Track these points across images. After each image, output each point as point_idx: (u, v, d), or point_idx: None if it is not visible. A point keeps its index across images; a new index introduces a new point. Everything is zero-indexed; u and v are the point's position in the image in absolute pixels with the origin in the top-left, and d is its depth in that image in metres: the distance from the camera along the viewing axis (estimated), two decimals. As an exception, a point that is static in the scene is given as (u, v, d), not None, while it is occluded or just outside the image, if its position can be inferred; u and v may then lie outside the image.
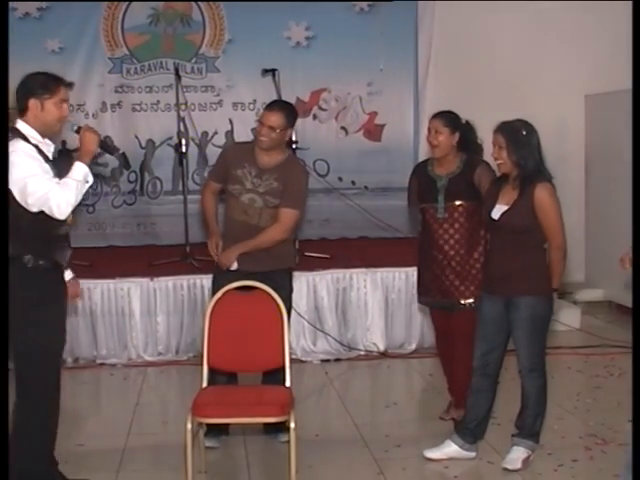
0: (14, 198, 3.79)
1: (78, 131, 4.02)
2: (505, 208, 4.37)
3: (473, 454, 4.65)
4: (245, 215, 4.84)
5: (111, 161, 7.71)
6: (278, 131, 4.76)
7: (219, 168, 5.04)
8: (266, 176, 4.82)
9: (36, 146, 3.89)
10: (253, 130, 7.77)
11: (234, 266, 4.84)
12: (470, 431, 4.63)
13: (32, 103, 3.90)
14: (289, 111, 4.88)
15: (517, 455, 4.49)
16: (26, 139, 3.87)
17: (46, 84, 3.93)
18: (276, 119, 4.77)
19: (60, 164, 4.01)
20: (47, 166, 3.88)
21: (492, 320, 4.48)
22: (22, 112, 3.92)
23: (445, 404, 5.39)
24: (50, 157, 3.97)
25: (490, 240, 4.59)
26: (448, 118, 4.95)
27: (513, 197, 4.36)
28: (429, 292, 5.10)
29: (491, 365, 4.55)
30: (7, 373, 3.84)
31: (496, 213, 4.40)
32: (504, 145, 4.32)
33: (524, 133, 4.32)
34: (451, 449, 4.64)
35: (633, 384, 3.70)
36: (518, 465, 4.46)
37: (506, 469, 4.45)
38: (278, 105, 4.96)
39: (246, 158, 4.85)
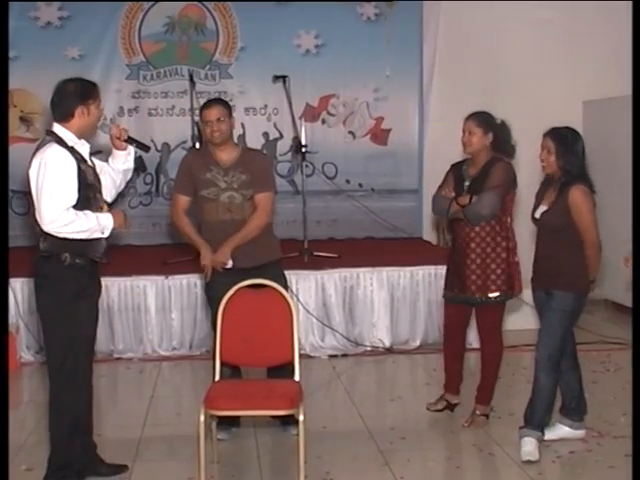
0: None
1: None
2: (545, 208, 4.60)
3: (583, 431, 4.80)
4: (230, 213, 4.86)
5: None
6: (223, 119, 4.84)
7: (186, 179, 4.97)
8: (232, 172, 4.87)
9: (71, 148, 4.04)
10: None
11: (229, 264, 4.85)
12: (574, 410, 4.78)
13: (80, 110, 4.05)
14: (224, 102, 5.01)
15: (532, 446, 4.56)
16: (63, 143, 4.03)
17: (89, 90, 4.11)
18: (217, 111, 4.86)
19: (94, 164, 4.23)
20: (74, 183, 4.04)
21: (542, 312, 4.67)
22: (66, 119, 4.06)
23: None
24: (86, 157, 4.14)
25: (536, 238, 4.74)
26: (482, 118, 4.91)
27: (552, 198, 4.59)
28: (452, 287, 5.11)
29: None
30: (7, 372, 4.03)
31: (538, 213, 4.64)
32: (553, 150, 4.52)
33: (571, 139, 4.53)
34: (563, 431, 4.79)
35: (633, 382, 3.88)
36: (537, 455, 4.52)
37: (529, 461, 4.49)
38: (212, 101, 5.08)
39: (209, 162, 4.89)
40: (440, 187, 5.14)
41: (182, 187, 5.01)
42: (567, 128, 4.58)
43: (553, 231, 4.57)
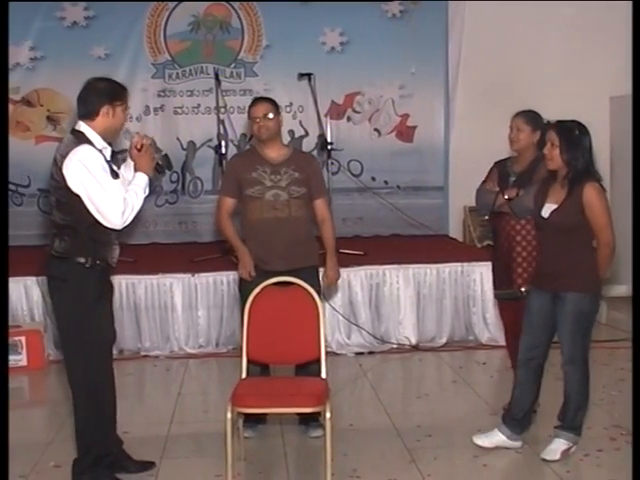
0: (81, 202, 3.95)
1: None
2: (554, 207, 4.39)
3: (519, 444, 4.67)
4: (275, 210, 4.83)
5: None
6: (271, 116, 4.85)
7: (231, 181, 4.98)
8: (284, 169, 4.86)
9: (100, 151, 4.01)
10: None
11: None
12: (518, 422, 4.66)
13: (105, 109, 4.02)
14: (271, 100, 5.01)
15: (557, 446, 4.51)
16: (92, 144, 3.99)
17: (117, 91, 4.10)
18: (264, 107, 4.88)
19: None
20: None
21: (538, 313, 4.52)
22: (90, 116, 4.03)
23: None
24: (109, 159, 4.10)
25: (540, 238, 4.63)
26: (530, 117, 4.93)
27: (562, 196, 4.37)
28: (500, 284, 5.13)
29: (536, 359, 4.57)
30: (7, 372, 4.00)
31: (545, 212, 4.43)
32: (556, 143, 4.34)
33: (577, 134, 4.33)
34: (499, 438, 4.65)
35: (633, 382, 3.86)
36: (557, 456, 4.47)
37: (544, 460, 4.47)
38: (259, 98, 5.11)
39: (255, 161, 4.88)
40: (484, 182, 5.14)
41: (227, 189, 5.00)
42: (574, 121, 4.36)
43: (563, 230, 4.39)
